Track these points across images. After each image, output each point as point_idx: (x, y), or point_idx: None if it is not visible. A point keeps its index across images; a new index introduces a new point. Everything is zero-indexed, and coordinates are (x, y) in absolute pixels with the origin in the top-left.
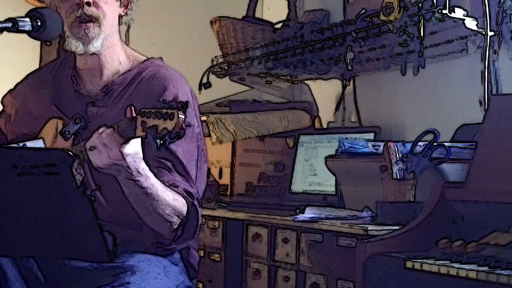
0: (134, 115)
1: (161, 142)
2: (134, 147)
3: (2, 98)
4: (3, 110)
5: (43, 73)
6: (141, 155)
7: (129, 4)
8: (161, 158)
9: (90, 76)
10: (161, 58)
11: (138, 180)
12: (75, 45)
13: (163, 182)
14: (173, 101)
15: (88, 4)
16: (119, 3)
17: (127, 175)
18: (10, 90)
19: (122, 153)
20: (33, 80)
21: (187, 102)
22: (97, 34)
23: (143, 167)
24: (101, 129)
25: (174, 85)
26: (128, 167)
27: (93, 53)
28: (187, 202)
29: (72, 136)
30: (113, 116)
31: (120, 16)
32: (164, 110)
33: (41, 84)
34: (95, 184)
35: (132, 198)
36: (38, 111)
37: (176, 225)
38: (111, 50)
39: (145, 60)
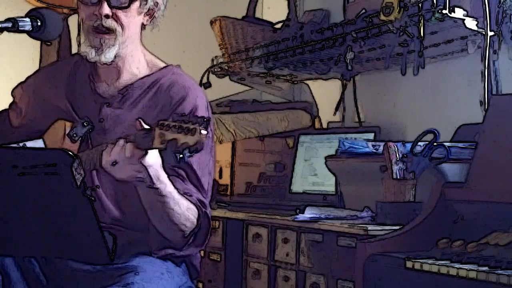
0: (145, 126)
1: (181, 156)
2: (154, 157)
3: (13, 90)
4: (14, 102)
5: (60, 67)
6: (160, 162)
7: (154, 13)
8: (175, 167)
9: (107, 77)
10: (179, 65)
11: (158, 188)
12: (88, 52)
13: (177, 190)
14: (194, 115)
15: (107, 16)
16: (141, 14)
17: (148, 184)
18: (21, 83)
19: (144, 165)
20: (48, 73)
21: (209, 118)
22: (111, 45)
23: (163, 174)
24: (121, 143)
25: (193, 95)
26: (150, 176)
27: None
28: (199, 212)
29: (80, 139)
30: (128, 119)
31: (143, 25)
32: (185, 125)
33: (57, 78)
34: (94, 184)
35: (148, 206)
36: (51, 103)
37: (188, 234)
38: (130, 56)
39: (163, 67)
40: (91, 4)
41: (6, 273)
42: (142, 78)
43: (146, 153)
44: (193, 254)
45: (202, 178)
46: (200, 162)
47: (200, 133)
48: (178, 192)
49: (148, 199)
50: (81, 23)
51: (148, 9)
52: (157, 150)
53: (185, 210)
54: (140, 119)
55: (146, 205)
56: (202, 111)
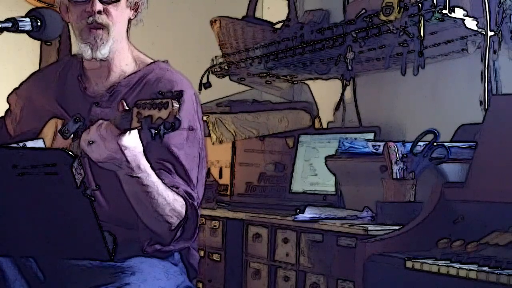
0: (127, 108)
1: (156, 131)
2: (132, 141)
3: (8, 97)
4: (9, 109)
5: (49, 71)
6: (141, 149)
7: (139, 8)
8: (162, 160)
9: (96, 77)
10: (166, 61)
11: (139, 177)
12: (84, 50)
13: (163, 181)
14: (169, 91)
15: (100, 12)
16: (129, 7)
17: (127, 171)
18: (16, 89)
19: (119, 146)
20: (38, 78)
21: (181, 91)
22: (105, 41)
23: (143, 163)
24: (99, 122)
25: (179, 88)
26: (128, 161)
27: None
28: (186, 203)
29: (72, 135)
30: None
31: (129, 20)
32: (159, 100)
33: (46, 83)
34: (95, 184)
35: (132, 196)
36: (43, 109)
37: (175, 226)
38: (119, 53)
39: (151, 63)
40: (81, 2)
41: (2, 271)
42: (129, 75)
43: (124, 133)
44: (191, 251)
45: (190, 171)
46: (188, 155)
47: (173, 105)
48: (164, 183)
49: (131, 189)
50: (71, 25)
51: (135, 3)
52: (137, 136)
53: (171, 200)
54: (122, 101)
55: (129, 195)
56: (188, 104)
